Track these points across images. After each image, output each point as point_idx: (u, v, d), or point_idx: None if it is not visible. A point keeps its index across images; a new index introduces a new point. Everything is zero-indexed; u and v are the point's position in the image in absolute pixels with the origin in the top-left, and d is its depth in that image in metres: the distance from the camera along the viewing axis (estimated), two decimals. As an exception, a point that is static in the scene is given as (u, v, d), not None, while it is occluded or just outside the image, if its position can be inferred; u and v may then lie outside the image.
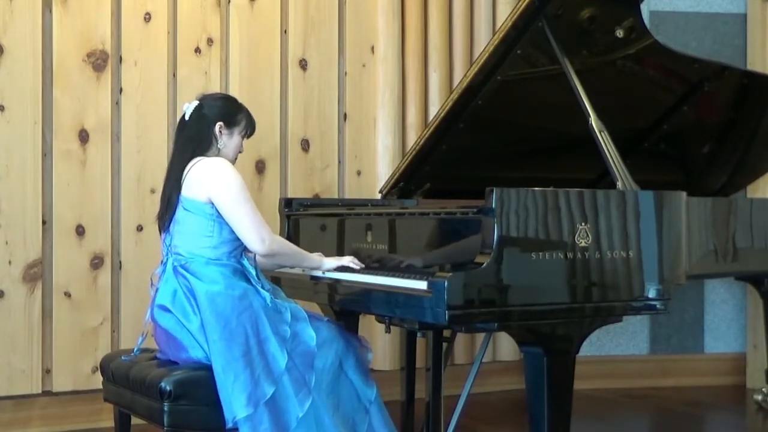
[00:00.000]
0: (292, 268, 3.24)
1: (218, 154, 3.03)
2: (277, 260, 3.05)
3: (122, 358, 3.09)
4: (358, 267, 3.10)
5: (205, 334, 2.83)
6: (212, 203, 2.90)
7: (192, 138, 3.02)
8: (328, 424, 2.84)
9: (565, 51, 3.26)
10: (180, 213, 2.94)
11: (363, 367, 3.05)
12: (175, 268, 2.93)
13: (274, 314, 2.89)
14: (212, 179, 2.90)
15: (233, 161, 3.08)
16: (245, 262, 2.98)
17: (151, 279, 3.10)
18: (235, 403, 2.73)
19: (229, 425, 2.74)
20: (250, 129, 3.13)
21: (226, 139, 3.05)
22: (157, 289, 2.97)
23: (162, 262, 3.02)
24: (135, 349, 3.12)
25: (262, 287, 2.95)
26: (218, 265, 2.92)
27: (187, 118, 3.05)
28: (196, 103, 3.07)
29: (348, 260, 3.11)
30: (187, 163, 2.97)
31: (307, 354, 2.88)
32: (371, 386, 3.04)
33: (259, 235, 2.89)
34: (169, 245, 2.98)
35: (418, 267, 2.97)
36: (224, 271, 2.91)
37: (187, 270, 2.91)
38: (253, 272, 2.97)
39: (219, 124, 3.03)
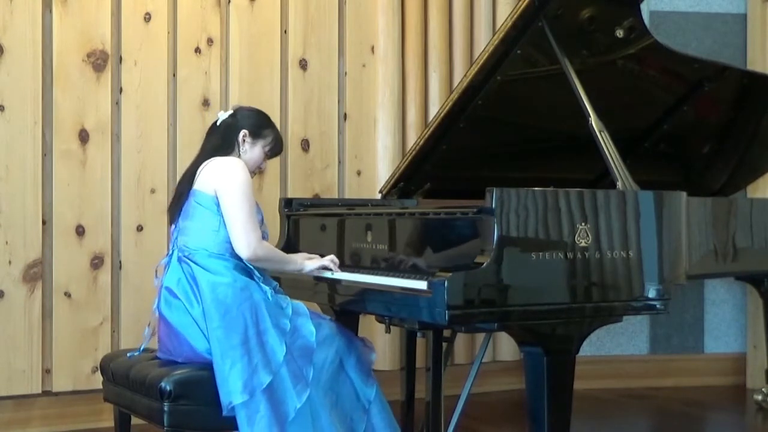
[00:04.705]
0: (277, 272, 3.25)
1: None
2: (260, 265, 3.03)
3: (128, 355, 3.11)
4: (335, 268, 3.10)
5: (206, 322, 2.85)
6: (217, 197, 2.95)
7: (217, 140, 3.11)
8: (324, 420, 2.86)
9: (565, 51, 3.25)
10: (191, 206, 3.00)
11: (364, 367, 3.06)
12: (179, 258, 2.97)
13: (275, 308, 2.92)
14: (221, 173, 2.97)
15: (251, 172, 3.13)
16: None
17: (156, 270, 3.14)
18: (231, 389, 2.75)
19: (225, 412, 2.76)
20: (275, 147, 3.19)
21: (248, 148, 3.12)
22: (162, 279, 3.01)
23: (168, 253, 3.06)
24: (142, 346, 3.13)
25: (264, 283, 2.98)
26: (221, 259, 2.95)
27: (218, 124, 3.15)
28: (230, 111, 3.17)
29: (327, 260, 3.12)
30: (205, 161, 3.04)
31: (306, 348, 2.90)
32: (371, 386, 3.05)
33: (247, 240, 2.91)
34: (176, 238, 3.03)
35: (418, 267, 2.97)
36: (227, 264, 2.95)
37: (191, 260, 2.95)
38: (257, 270, 3.00)
39: (244, 131, 3.11)
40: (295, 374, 2.84)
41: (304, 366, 2.87)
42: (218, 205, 2.95)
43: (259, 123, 3.16)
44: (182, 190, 3.05)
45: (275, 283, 3.08)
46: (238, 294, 2.88)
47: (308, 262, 3.12)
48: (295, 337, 2.90)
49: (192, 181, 3.03)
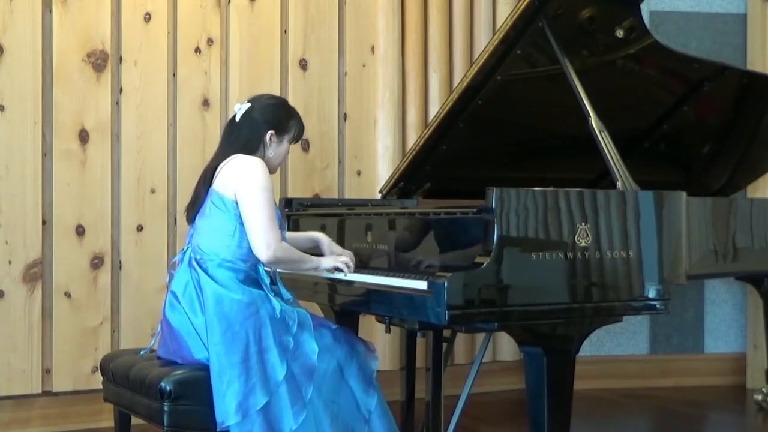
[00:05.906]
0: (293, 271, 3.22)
1: (264, 159, 3.00)
2: (279, 267, 2.99)
3: (142, 352, 3.09)
4: (350, 269, 3.05)
5: (207, 333, 2.82)
6: (237, 200, 2.89)
7: (240, 140, 3.00)
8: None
9: (565, 51, 3.26)
10: (208, 207, 2.93)
11: (365, 376, 2.98)
12: (190, 260, 2.92)
13: (281, 325, 2.84)
14: (240, 175, 2.89)
15: (277, 167, 3.09)
16: (261, 268, 2.93)
17: (169, 265, 3.10)
18: (225, 409, 2.73)
19: (219, 429, 2.73)
20: (298, 134, 3.11)
21: (275, 147, 3.04)
22: (172, 277, 2.97)
23: (182, 250, 3.01)
24: (153, 342, 3.10)
25: (275, 295, 2.91)
26: (231, 270, 2.88)
27: (237, 119, 3.04)
28: (247, 105, 3.05)
29: (343, 260, 3.05)
30: (225, 159, 2.96)
31: (307, 367, 2.83)
32: (372, 395, 2.97)
33: (266, 240, 2.84)
34: (191, 235, 2.98)
35: (418, 267, 2.97)
36: (236, 275, 2.88)
37: (200, 266, 2.89)
38: (267, 280, 2.93)
39: (270, 132, 3.01)
40: (294, 394, 2.78)
41: (304, 385, 2.81)
42: (237, 211, 2.88)
43: (281, 117, 3.05)
44: (200, 190, 2.98)
45: (290, 296, 3.00)
46: (243, 309, 2.82)
47: (324, 260, 3.06)
48: (297, 354, 2.83)
49: (211, 181, 2.95)
